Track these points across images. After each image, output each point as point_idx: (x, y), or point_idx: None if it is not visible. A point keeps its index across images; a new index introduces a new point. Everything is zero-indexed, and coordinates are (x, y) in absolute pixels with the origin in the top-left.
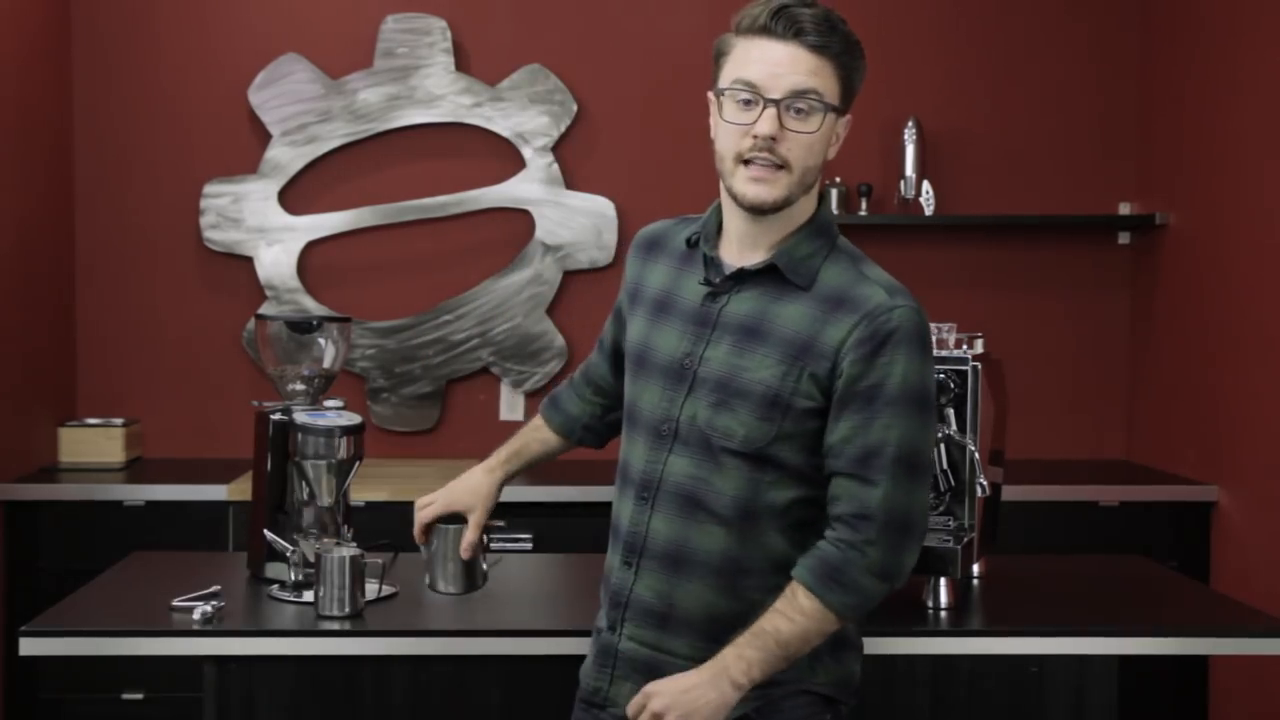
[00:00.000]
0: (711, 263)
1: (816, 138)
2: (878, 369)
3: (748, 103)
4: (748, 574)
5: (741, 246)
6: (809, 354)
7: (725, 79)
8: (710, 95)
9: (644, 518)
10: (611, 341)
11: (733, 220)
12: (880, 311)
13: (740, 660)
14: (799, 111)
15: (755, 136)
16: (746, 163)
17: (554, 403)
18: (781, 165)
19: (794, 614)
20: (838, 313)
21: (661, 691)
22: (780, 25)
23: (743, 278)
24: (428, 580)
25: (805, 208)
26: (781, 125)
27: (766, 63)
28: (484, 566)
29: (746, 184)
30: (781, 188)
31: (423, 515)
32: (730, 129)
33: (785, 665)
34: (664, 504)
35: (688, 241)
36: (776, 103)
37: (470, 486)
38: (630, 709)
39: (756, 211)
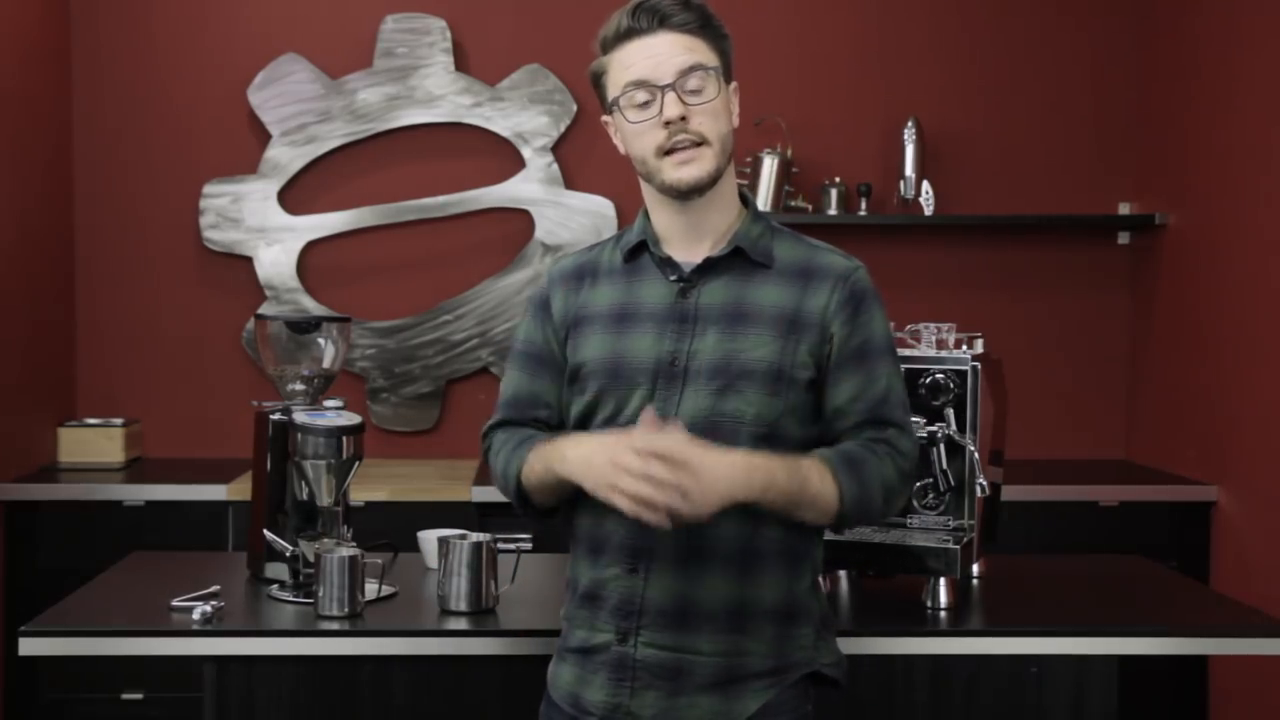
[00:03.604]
0: (667, 263)
1: (718, 103)
2: (861, 326)
3: (645, 102)
4: (760, 557)
5: (684, 242)
6: (798, 326)
7: (614, 90)
8: (605, 119)
9: None
10: (532, 391)
11: (670, 219)
12: (848, 274)
13: (768, 474)
14: (693, 88)
15: (667, 124)
16: (668, 153)
17: (522, 439)
18: (700, 141)
19: (820, 479)
20: (811, 283)
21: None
22: (644, 20)
23: (706, 269)
24: (439, 596)
25: (730, 187)
26: (684, 104)
27: (646, 58)
28: (495, 590)
29: (676, 170)
30: (709, 161)
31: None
32: (639, 128)
33: (788, 512)
34: None
35: (624, 256)
36: (671, 86)
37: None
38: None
39: (694, 193)
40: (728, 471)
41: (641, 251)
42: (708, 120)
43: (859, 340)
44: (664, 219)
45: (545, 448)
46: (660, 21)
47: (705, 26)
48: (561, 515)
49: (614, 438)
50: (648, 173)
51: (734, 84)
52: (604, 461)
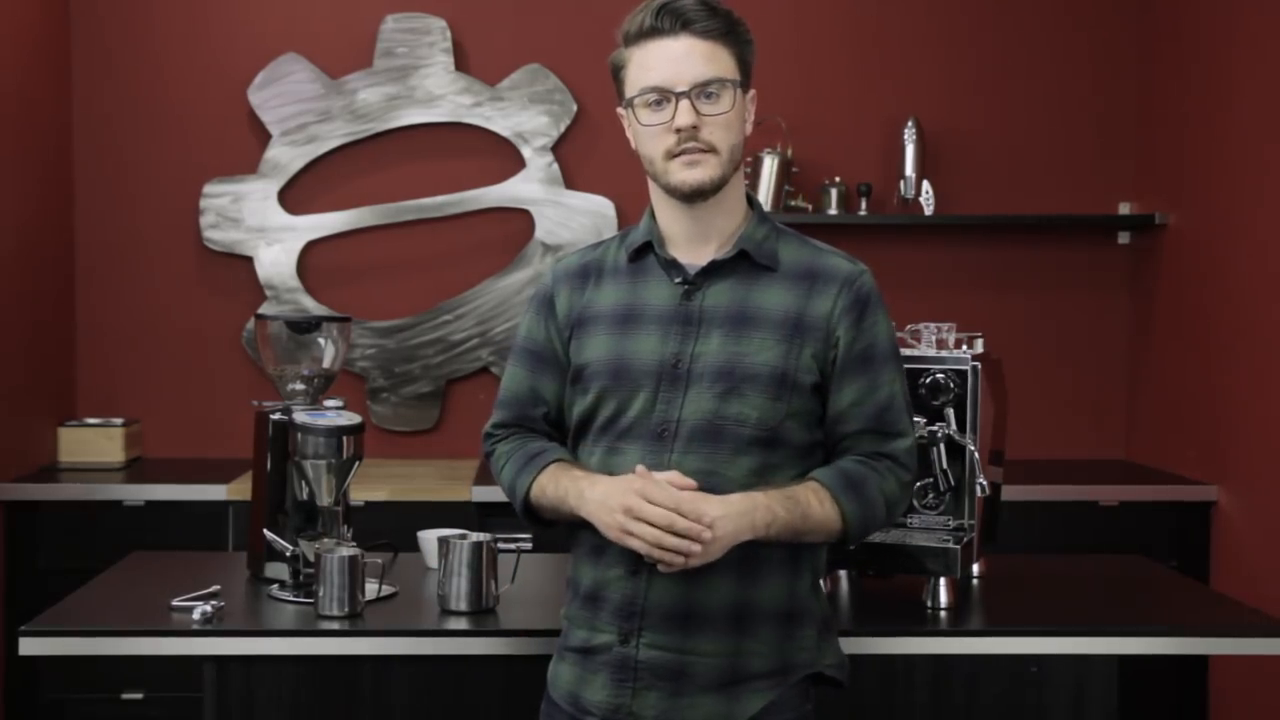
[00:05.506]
0: (672, 265)
1: (732, 115)
2: (866, 331)
3: (659, 103)
4: (761, 559)
5: (690, 244)
6: (802, 329)
7: (631, 89)
8: (620, 111)
9: None
10: (532, 388)
11: (675, 220)
12: (853, 278)
13: (769, 512)
14: (709, 96)
15: (678, 130)
16: (676, 156)
17: (531, 455)
18: (709, 149)
19: (820, 504)
20: (816, 286)
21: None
22: (666, 22)
23: (711, 271)
24: (439, 596)
25: (737, 190)
26: (697, 113)
27: (665, 61)
28: (495, 590)
29: (682, 171)
30: (715, 167)
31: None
32: (651, 130)
33: (792, 541)
34: None
35: (629, 256)
36: (686, 94)
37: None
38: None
39: (698, 196)
40: (735, 518)
41: (647, 252)
42: (719, 131)
43: (863, 345)
44: (670, 220)
45: (563, 478)
46: (683, 25)
47: (728, 33)
48: (564, 524)
49: (628, 483)
50: (655, 173)
51: (752, 93)
52: (619, 506)
